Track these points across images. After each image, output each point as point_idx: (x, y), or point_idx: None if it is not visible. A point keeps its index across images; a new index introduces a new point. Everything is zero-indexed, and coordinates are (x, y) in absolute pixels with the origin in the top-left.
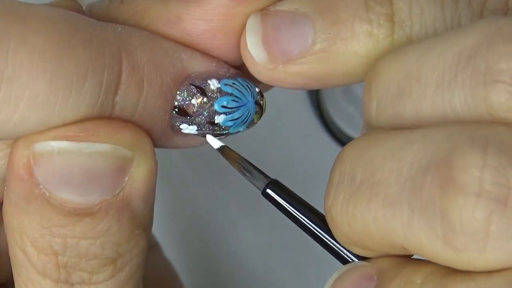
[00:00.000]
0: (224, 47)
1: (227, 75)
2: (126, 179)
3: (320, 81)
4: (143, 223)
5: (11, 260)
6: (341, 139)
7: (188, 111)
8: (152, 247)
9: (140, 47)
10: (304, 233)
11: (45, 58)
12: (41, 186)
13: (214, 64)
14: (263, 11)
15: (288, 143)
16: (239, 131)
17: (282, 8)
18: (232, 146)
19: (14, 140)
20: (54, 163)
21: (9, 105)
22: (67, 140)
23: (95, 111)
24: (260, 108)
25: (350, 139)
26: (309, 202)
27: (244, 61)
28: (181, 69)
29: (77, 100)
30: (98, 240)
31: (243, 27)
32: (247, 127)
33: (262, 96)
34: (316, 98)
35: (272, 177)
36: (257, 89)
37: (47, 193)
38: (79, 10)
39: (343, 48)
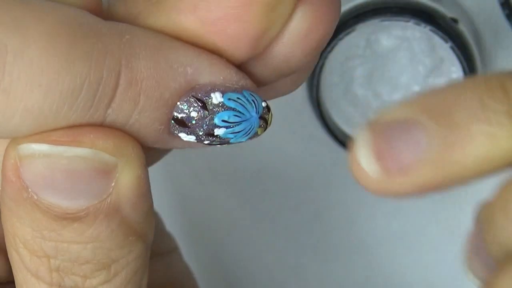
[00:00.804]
0: (238, 38)
1: (234, 88)
2: (113, 184)
3: (435, 188)
4: (137, 230)
5: (10, 261)
6: (341, 139)
7: (186, 123)
8: (170, 252)
9: (143, 60)
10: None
11: (41, 72)
12: (29, 190)
13: (222, 77)
14: (372, 122)
15: (288, 143)
16: (240, 141)
17: (392, 116)
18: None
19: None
20: (37, 166)
21: (3, 116)
22: (48, 143)
23: (85, 120)
24: (265, 122)
25: (350, 139)
26: (308, 202)
27: (355, 176)
28: (184, 84)
29: (69, 111)
30: (89, 245)
31: (260, 17)
32: (250, 138)
33: (268, 110)
34: (316, 98)
35: (271, 177)
36: (263, 104)
37: (35, 197)
38: (96, 2)
39: (460, 152)
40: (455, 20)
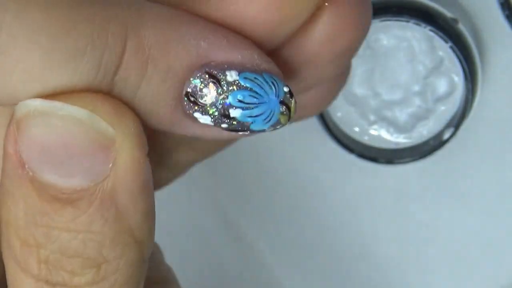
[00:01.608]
0: (259, 20)
1: (253, 69)
2: (110, 166)
3: None
4: (134, 232)
5: (3, 260)
6: (341, 139)
7: (198, 99)
8: (166, 283)
9: (151, 29)
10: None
11: (41, 32)
12: (26, 166)
13: (240, 56)
14: None
15: (287, 143)
16: (263, 130)
17: None
18: (232, 147)
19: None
20: (32, 130)
21: (1, 77)
22: (41, 99)
23: (92, 88)
24: (287, 109)
25: (350, 139)
26: (307, 202)
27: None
28: (196, 57)
29: (72, 76)
30: (80, 235)
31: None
32: (274, 127)
33: (291, 96)
34: None
35: (271, 177)
36: (285, 88)
37: (30, 173)
38: None
39: None
40: (455, 20)
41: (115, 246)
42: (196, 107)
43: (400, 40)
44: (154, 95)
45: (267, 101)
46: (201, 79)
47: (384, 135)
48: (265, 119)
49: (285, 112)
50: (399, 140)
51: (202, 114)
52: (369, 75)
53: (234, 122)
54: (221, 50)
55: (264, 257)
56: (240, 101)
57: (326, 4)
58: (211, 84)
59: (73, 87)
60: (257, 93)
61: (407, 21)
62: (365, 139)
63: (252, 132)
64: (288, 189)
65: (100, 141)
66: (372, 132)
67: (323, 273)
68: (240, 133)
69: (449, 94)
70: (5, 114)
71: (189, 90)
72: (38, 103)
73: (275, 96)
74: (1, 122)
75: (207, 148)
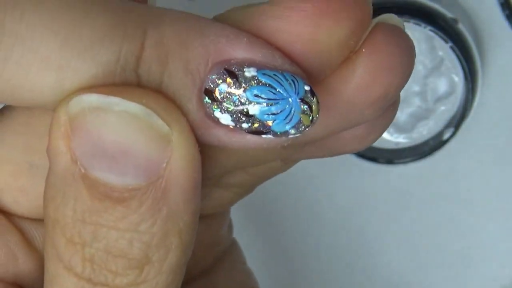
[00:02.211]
0: (299, 38)
1: (273, 67)
2: (164, 165)
3: None
4: (182, 233)
5: (44, 258)
6: None
7: (216, 94)
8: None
9: (170, 25)
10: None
11: (59, 22)
12: (78, 163)
13: (260, 54)
14: None
15: None
16: (286, 133)
17: None
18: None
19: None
20: (87, 127)
21: (21, 68)
22: (96, 93)
23: (116, 80)
24: (309, 108)
25: None
26: (307, 202)
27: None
28: (215, 52)
29: (90, 65)
30: (128, 234)
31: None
32: (296, 129)
33: (313, 95)
34: None
35: (272, 178)
36: (306, 87)
37: (82, 170)
38: None
39: None
40: (455, 20)
41: (161, 247)
42: (215, 105)
43: None
44: (176, 88)
45: (286, 97)
46: (219, 75)
47: (384, 135)
48: (285, 118)
49: (307, 112)
50: (399, 140)
51: (222, 113)
52: None
53: (255, 122)
54: (241, 48)
55: (264, 256)
56: (257, 96)
57: (364, 50)
58: (228, 79)
59: (93, 78)
60: (275, 89)
61: (407, 21)
62: None
63: (275, 134)
64: (288, 189)
65: (156, 138)
66: None
67: (323, 273)
68: (263, 136)
69: (449, 94)
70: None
71: (207, 87)
72: (94, 98)
73: (295, 93)
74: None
75: (261, 172)
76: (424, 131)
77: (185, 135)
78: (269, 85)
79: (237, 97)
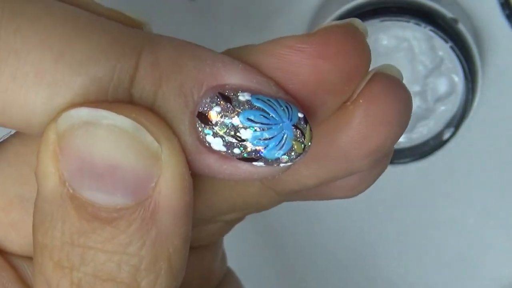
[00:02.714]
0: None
1: (267, 94)
2: (153, 185)
3: None
4: (171, 257)
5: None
6: None
7: (209, 117)
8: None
9: (166, 48)
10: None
11: (54, 37)
12: (66, 183)
13: (255, 81)
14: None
15: None
16: (278, 160)
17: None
18: None
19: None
20: (76, 143)
21: (14, 81)
22: (86, 107)
23: (109, 98)
24: (302, 135)
25: None
26: (307, 202)
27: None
28: (210, 76)
29: (84, 81)
30: (116, 256)
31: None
32: (288, 157)
33: (306, 122)
34: None
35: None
36: (300, 114)
37: (71, 190)
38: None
39: None
40: (455, 20)
41: (151, 271)
42: (207, 128)
43: (400, 40)
44: (168, 111)
45: (279, 122)
46: (213, 98)
47: None
48: (277, 144)
49: (299, 139)
50: (399, 140)
51: (214, 137)
52: None
53: (247, 147)
54: (236, 74)
55: (264, 256)
56: (250, 120)
57: (361, 101)
58: (222, 103)
59: (86, 95)
60: (269, 114)
61: (407, 21)
62: None
63: (267, 162)
64: None
65: (145, 155)
66: None
67: (323, 273)
68: (255, 164)
69: (449, 94)
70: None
71: (200, 110)
72: (83, 112)
73: (288, 119)
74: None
75: (254, 210)
76: (424, 131)
77: (176, 154)
78: (263, 109)
79: (230, 120)
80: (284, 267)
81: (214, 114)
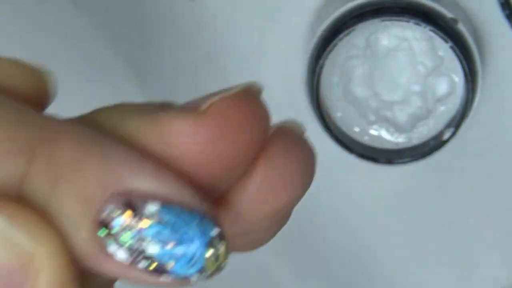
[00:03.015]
0: (199, 154)
1: (180, 202)
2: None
3: None
4: None
5: None
6: (341, 139)
7: (111, 228)
8: None
9: (70, 145)
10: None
11: None
12: None
13: (166, 187)
14: None
15: None
16: (190, 277)
17: None
18: None
19: None
20: None
21: None
22: None
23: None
24: (214, 256)
25: (350, 139)
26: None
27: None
28: (115, 180)
29: None
30: None
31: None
32: (200, 274)
33: (222, 239)
34: (316, 98)
35: None
36: (215, 231)
37: None
38: (39, 83)
39: None
40: (455, 20)
41: None
42: (109, 239)
43: (400, 40)
44: (65, 215)
45: (189, 239)
46: (117, 206)
47: (384, 135)
48: (188, 262)
49: (211, 258)
50: (399, 140)
51: (118, 249)
52: (369, 75)
53: (153, 262)
54: (145, 179)
55: (263, 256)
56: (158, 234)
57: (260, 161)
58: (127, 212)
59: None
60: (179, 229)
61: (407, 21)
62: (365, 139)
63: (177, 277)
64: None
65: (17, 256)
66: (372, 132)
67: (322, 273)
68: (162, 277)
69: (449, 94)
70: None
71: (103, 217)
72: None
73: (201, 235)
74: None
75: None
76: (424, 131)
77: (54, 256)
78: (173, 223)
79: (136, 233)
80: (284, 267)
81: (117, 224)
